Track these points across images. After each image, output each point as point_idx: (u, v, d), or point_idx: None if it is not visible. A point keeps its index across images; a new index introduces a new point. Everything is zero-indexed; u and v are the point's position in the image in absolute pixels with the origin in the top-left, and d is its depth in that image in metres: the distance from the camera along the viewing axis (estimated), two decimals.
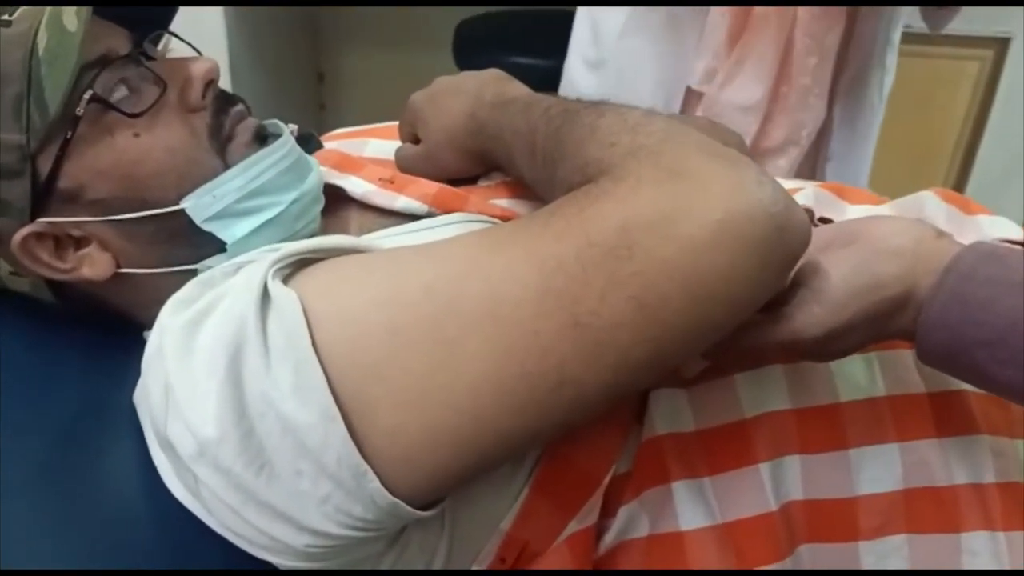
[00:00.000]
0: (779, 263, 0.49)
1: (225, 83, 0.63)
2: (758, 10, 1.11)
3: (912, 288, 0.54)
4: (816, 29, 1.12)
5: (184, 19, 0.65)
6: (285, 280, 0.51)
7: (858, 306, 0.53)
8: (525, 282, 0.47)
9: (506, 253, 0.49)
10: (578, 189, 0.51)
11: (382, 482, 0.48)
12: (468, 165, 0.69)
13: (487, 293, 0.48)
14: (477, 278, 0.49)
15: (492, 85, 0.67)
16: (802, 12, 1.11)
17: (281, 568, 0.52)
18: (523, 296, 0.47)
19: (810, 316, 0.54)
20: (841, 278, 0.54)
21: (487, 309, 0.47)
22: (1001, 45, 1.77)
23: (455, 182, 0.69)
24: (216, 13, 1.69)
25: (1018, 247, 0.54)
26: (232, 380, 0.48)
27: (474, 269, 0.49)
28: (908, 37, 1.22)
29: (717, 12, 1.13)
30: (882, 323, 0.54)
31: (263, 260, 0.52)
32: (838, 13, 1.13)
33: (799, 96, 1.16)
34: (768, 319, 0.55)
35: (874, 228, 0.57)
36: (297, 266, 0.53)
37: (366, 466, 0.47)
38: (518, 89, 0.68)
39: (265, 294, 0.49)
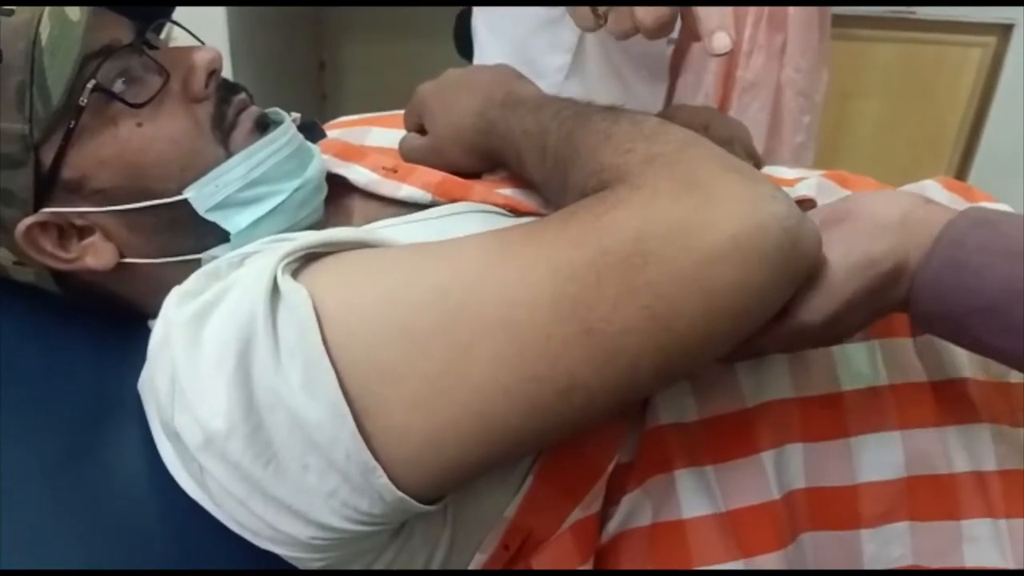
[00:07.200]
0: (791, 277, 0.50)
1: (226, 71, 0.63)
2: (748, 76, 1.13)
3: (904, 260, 0.53)
4: (806, 86, 1.13)
5: (186, 8, 0.65)
6: (295, 274, 0.51)
7: (854, 287, 0.53)
8: (539, 287, 0.47)
9: (521, 257, 0.49)
10: (593, 195, 0.51)
11: (390, 478, 0.48)
12: (475, 163, 0.68)
13: (501, 297, 0.48)
14: (491, 281, 0.49)
15: (503, 83, 0.67)
16: (791, 72, 1.12)
17: (290, 561, 0.53)
18: (537, 301, 0.47)
19: (810, 304, 0.54)
20: (835, 262, 0.53)
21: (500, 313, 0.47)
22: (1004, 31, 1.76)
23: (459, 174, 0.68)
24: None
25: (1012, 211, 0.54)
26: (242, 375, 0.48)
27: (488, 272, 0.49)
28: (911, 24, 1.21)
29: (709, 76, 1.13)
30: (879, 299, 0.54)
31: (271, 253, 0.52)
32: (824, 64, 1.14)
33: (794, 153, 1.17)
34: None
35: (862, 205, 0.57)
36: (306, 260, 0.52)
37: (375, 463, 0.48)
38: (529, 88, 0.67)
39: (274, 288, 0.49)
